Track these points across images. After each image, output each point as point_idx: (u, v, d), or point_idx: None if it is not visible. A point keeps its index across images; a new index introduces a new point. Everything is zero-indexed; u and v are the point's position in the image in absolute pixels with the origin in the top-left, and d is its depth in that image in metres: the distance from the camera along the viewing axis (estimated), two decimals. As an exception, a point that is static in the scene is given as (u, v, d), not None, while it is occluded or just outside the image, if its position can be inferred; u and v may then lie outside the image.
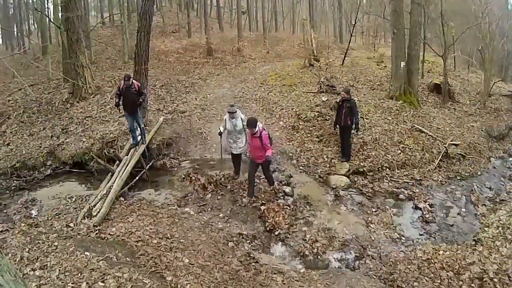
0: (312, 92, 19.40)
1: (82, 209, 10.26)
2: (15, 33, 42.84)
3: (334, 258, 9.57)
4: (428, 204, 12.08)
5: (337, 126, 14.68)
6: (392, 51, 19.67)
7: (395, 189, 13.14)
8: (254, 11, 49.90)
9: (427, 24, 24.75)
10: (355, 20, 30.86)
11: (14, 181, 14.33)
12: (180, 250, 8.33)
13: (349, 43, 28.95)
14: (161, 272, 7.37)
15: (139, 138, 13.87)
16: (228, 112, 12.41)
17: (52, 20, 27.02)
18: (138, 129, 13.80)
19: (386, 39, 40.62)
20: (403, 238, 10.47)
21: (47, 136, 16.79)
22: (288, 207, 11.34)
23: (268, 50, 34.04)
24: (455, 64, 29.85)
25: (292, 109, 17.96)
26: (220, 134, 12.76)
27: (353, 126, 14.09)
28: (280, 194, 12.13)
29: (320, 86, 19.42)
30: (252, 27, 46.07)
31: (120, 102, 13.39)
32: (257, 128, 11.14)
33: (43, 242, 8.08)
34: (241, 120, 12.56)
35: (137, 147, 13.76)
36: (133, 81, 13.39)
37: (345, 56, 26.77)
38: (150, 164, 11.58)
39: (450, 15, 25.52)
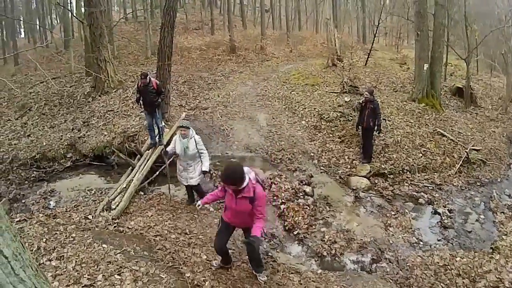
0: (335, 92, 19.31)
1: (101, 201, 10.28)
2: (38, 27, 43.13)
3: (351, 260, 9.56)
4: (447, 209, 12.03)
5: (359, 127, 14.62)
6: (415, 53, 19.69)
7: (415, 193, 13.07)
8: (278, 9, 49.97)
9: (450, 26, 24.54)
10: (379, 21, 30.73)
11: (34, 172, 14.37)
12: (199, 246, 8.32)
13: (372, 44, 28.80)
14: (178, 268, 7.34)
15: (157, 138, 13.77)
16: (179, 127, 10.52)
17: (75, 14, 27.16)
18: (156, 129, 13.64)
19: (409, 40, 40.51)
20: (421, 242, 10.42)
21: (68, 128, 16.82)
22: (308, 207, 11.33)
23: (291, 49, 33.91)
24: (477, 68, 29.66)
25: (315, 108, 17.88)
26: (165, 153, 10.48)
27: (376, 127, 14.03)
28: (301, 194, 12.07)
29: (343, 86, 19.29)
30: (276, 26, 46.08)
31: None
32: (245, 183, 6.47)
33: (61, 233, 8.13)
34: (195, 141, 10.19)
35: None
36: (151, 79, 13.15)
37: (368, 57, 26.68)
38: (171, 159, 11.52)
39: (474, 17, 25.35)
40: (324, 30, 38.36)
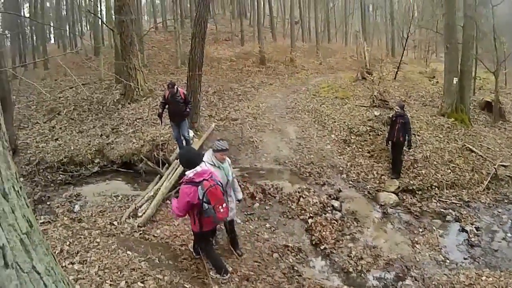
0: (365, 106, 19.23)
1: (128, 208, 10.33)
2: (68, 33, 43.61)
3: (377, 277, 9.47)
4: (475, 227, 11.88)
5: (389, 142, 14.59)
6: (445, 66, 19.53)
7: (442, 210, 12.93)
8: (307, 21, 49.81)
9: (478, 38, 24.28)
10: (408, 34, 30.60)
11: (60, 175, 14.47)
12: (224, 258, 8.19)
13: (401, 57, 28.76)
14: (202, 278, 7.31)
15: None
16: (214, 150, 7.81)
17: (105, 22, 27.48)
18: (184, 140, 13.48)
19: (438, 53, 40.20)
20: (448, 261, 10.29)
21: (97, 134, 16.94)
22: (336, 222, 11.26)
23: (321, 61, 33.92)
24: (506, 81, 29.21)
25: (344, 122, 17.80)
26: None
27: (406, 142, 13.99)
28: (329, 208, 12.02)
29: (373, 100, 19.21)
30: (305, 38, 45.97)
31: (164, 113, 13.19)
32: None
33: (85, 238, 8.17)
34: (228, 163, 8.20)
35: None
36: (179, 89, 13.05)
37: (397, 70, 26.56)
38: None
39: (502, 29, 25.05)
40: (353, 42, 38.41)
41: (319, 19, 46.61)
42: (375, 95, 19.41)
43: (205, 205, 6.45)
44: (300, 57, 34.39)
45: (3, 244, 2.16)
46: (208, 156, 7.75)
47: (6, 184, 2.27)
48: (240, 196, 8.54)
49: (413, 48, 42.19)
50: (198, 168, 6.71)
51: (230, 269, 7.69)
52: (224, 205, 6.68)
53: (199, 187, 6.46)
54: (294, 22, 40.01)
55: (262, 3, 42.64)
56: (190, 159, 6.88)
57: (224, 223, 8.45)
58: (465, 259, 10.53)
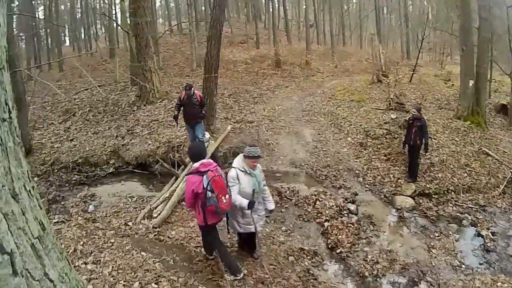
0: (381, 109, 19.13)
1: (143, 209, 10.36)
2: (83, 35, 43.90)
3: (392, 282, 9.36)
4: (491, 232, 11.69)
5: (406, 145, 14.43)
6: (460, 69, 19.30)
7: (459, 214, 12.76)
8: (322, 24, 49.90)
9: (493, 40, 24.04)
10: (423, 36, 30.43)
11: (75, 176, 14.66)
12: (239, 260, 8.13)
13: (417, 60, 28.67)
14: (217, 280, 7.28)
15: None
16: (246, 156, 7.34)
17: (120, 25, 27.56)
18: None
19: (453, 56, 40.02)
20: (463, 266, 10.15)
21: (112, 135, 17.05)
22: (352, 226, 11.11)
23: (336, 64, 33.85)
24: (522, 84, 29.05)
25: (361, 125, 17.72)
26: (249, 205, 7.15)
27: (422, 146, 13.82)
28: (345, 212, 11.89)
29: (389, 103, 19.10)
30: (320, 41, 46.01)
31: (179, 114, 13.26)
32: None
33: (99, 238, 8.22)
34: (260, 171, 7.88)
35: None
36: (195, 91, 13.10)
37: (413, 73, 26.46)
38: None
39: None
40: (368, 45, 38.27)
41: (334, 22, 46.81)
42: (391, 98, 19.29)
43: (209, 193, 6.55)
44: (315, 60, 34.43)
45: (11, 250, 2.00)
46: (238, 161, 7.48)
47: (16, 184, 2.13)
48: (272, 206, 8.08)
49: (428, 50, 42.07)
50: (204, 160, 6.92)
51: (245, 271, 7.63)
52: (227, 196, 6.75)
53: (204, 176, 6.61)
54: (309, 25, 39.86)
55: (276, 6, 42.75)
56: (197, 152, 7.10)
57: (248, 234, 8.03)
58: (480, 264, 10.41)
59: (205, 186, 6.56)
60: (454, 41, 31.83)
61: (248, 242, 8.42)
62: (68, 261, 2.90)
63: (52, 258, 2.53)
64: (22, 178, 2.26)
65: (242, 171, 7.32)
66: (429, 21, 36.86)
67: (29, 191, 2.37)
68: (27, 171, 2.42)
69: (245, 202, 7.06)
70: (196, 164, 6.81)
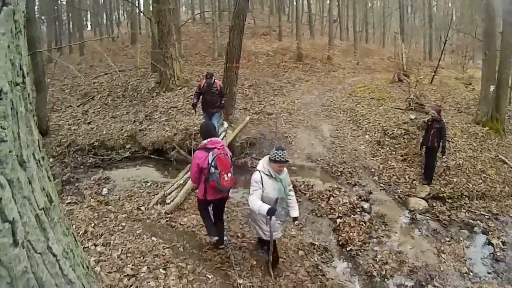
0: (400, 109, 18.97)
1: (156, 195, 10.47)
2: (105, 21, 44.09)
3: (398, 284, 9.32)
4: (501, 241, 11.53)
5: (423, 147, 14.28)
6: (482, 74, 19.11)
7: (471, 221, 12.59)
8: (345, 20, 50.00)
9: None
10: (446, 38, 30.20)
11: (90, 158, 14.77)
12: (249, 251, 8.26)
13: (439, 61, 28.44)
14: (226, 270, 7.33)
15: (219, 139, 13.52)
16: (272, 160, 6.95)
17: (142, 11, 27.52)
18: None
19: (475, 60, 39.73)
20: (471, 273, 10.04)
21: (130, 120, 17.13)
22: (364, 224, 11.04)
23: (358, 61, 33.82)
24: (542, 91, 28.73)
25: (379, 123, 17.60)
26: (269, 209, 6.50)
27: (440, 148, 13.65)
28: (358, 209, 11.81)
29: (409, 103, 18.90)
30: (343, 36, 46.08)
31: (198, 103, 13.27)
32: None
33: (111, 221, 8.32)
34: (286, 175, 7.52)
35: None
36: (216, 80, 13.14)
37: (434, 74, 26.22)
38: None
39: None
40: (391, 44, 38.15)
41: (358, 18, 46.73)
42: (411, 98, 19.11)
43: (212, 169, 6.87)
44: (337, 56, 34.44)
45: (13, 218, 1.90)
46: (263, 164, 7.10)
47: (24, 151, 2.04)
48: (295, 214, 7.46)
49: (451, 52, 41.85)
50: (213, 138, 7.23)
51: (253, 262, 7.76)
52: (230, 175, 7.04)
53: (210, 153, 6.93)
54: (333, 20, 39.94)
55: (300, 0, 42.55)
56: (206, 130, 7.42)
57: (267, 242, 7.31)
58: (488, 273, 10.28)
59: (210, 162, 6.87)
60: (477, 45, 31.63)
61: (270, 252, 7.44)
62: (75, 238, 2.81)
63: (57, 232, 2.44)
64: (31, 146, 2.18)
65: (267, 174, 6.95)
66: (453, 23, 36.59)
67: (38, 160, 2.29)
68: (38, 140, 2.34)
69: (264, 208, 6.44)
70: (205, 141, 7.14)
